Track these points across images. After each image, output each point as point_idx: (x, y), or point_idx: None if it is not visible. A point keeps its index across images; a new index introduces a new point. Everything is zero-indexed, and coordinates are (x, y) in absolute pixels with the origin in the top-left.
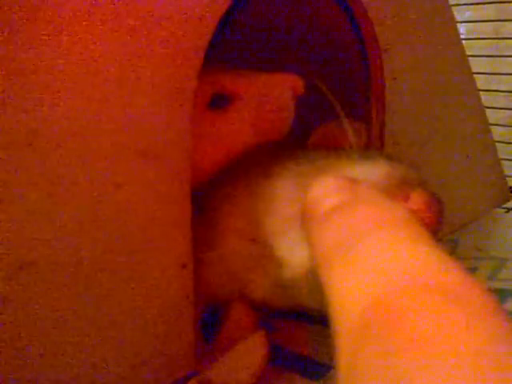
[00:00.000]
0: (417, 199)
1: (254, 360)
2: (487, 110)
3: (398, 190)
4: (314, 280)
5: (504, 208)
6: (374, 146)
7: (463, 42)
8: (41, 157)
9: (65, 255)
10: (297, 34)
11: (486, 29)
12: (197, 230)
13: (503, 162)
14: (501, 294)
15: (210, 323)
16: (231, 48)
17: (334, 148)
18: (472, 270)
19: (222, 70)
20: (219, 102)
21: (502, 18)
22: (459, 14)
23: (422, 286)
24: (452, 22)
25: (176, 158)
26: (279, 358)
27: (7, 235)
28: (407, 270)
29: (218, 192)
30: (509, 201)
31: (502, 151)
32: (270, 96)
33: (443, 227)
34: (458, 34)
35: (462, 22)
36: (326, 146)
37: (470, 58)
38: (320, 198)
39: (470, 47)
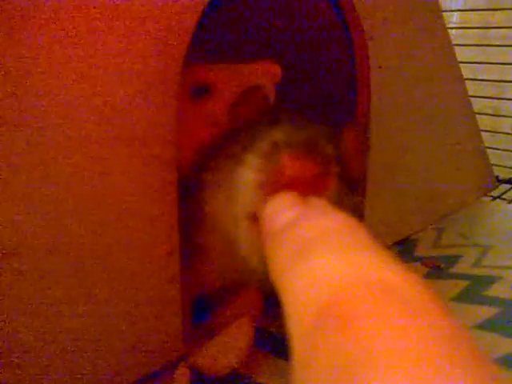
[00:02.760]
0: (287, 163)
1: (240, 344)
2: (474, 99)
3: (271, 160)
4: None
5: (490, 196)
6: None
7: (454, 31)
8: (26, 144)
9: (48, 243)
10: (281, 24)
11: (476, 18)
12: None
13: (489, 150)
14: (484, 281)
15: (200, 309)
16: (213, 42)
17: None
18: (457, 257)
19: (203, 65)
20: (200, 93)
21: (491, 8)
22: (452, 2)
23: (367, 287)
24: (438, 10)
25: (162, 147)
26: (267, 342)
27: None
28: (354, 274)
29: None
30: (495, 189)
31: (489, 140)
32: (249, 83)
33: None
34: (443, 22)
35: (454, 11)
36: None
37: (459, 47)
38: (274, 215)
39: (459, 36)
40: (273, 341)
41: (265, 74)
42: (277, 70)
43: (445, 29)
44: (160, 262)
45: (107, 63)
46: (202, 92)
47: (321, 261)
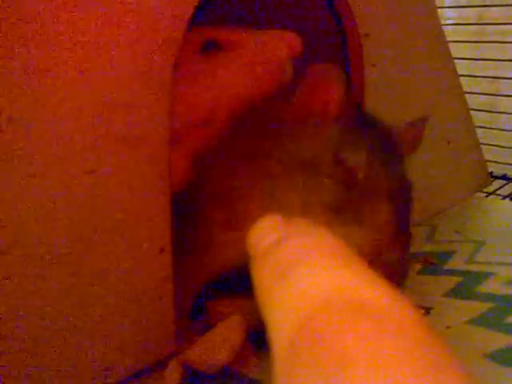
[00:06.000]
0: (389, 257)
1: (232, 340)
2: (469, 96)
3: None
4: None
5: (484, 192)
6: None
7: (449, 27)
8: (14, 142)
9: (38, 242)
10: (275, 23)
11: (470, 14)
12: (216, 214)
13: (483, 146)
14: (477, 277)
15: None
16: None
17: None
18: (450, 253)
19: (214, 27)
20: (211, 48)
21: (485, 4)
22: None
23: (344, 304)
24: (433, 7)
25: (154, 145)
26: (259, 338)
27: None
28: (332, 292)
29: (231, 178)
30: (489, 185)
31: (483, 136)
32: (265, 48)
33: None
34: (438, 19)
35: (449, 8)
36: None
37: (454, 44)
38: (257, 240)
39: (454, 32)
40: (265, 337)
41: (284, 43)
42: (297, 41)
43: (439, 25)
44: (152, 259)
45: (98, 59)
46: (215, 47)
47: (300, 279)
